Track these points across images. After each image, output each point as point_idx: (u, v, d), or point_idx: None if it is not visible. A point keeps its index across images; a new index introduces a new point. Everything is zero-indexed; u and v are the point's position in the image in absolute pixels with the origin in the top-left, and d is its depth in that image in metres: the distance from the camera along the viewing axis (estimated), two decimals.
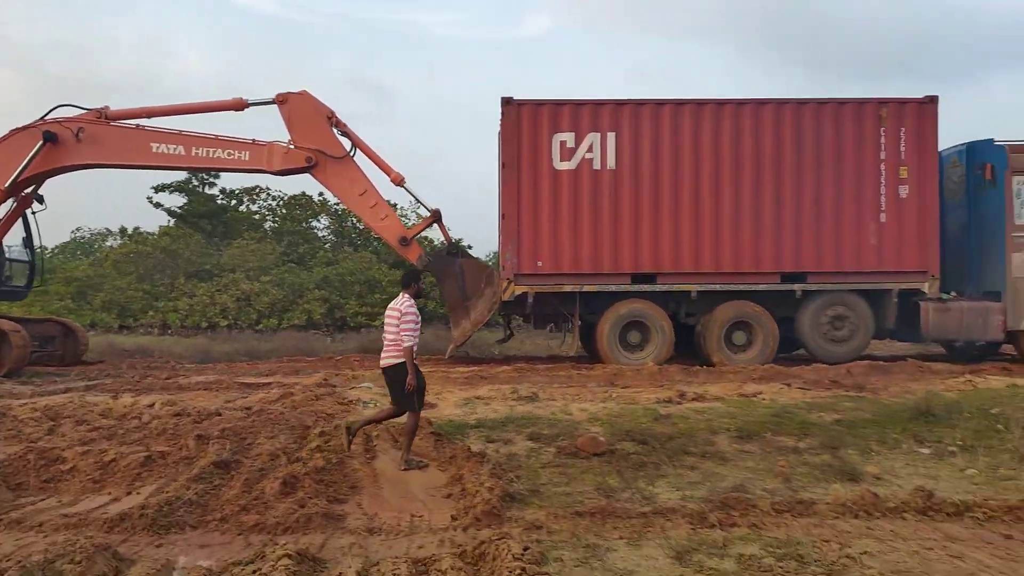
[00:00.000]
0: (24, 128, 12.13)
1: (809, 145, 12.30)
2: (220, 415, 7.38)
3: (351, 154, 12.68)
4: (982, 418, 7.60)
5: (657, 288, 12.25)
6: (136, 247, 24.91)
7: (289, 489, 5.32)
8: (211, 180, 30.74)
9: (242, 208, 29.95)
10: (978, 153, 12.79)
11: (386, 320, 6.23)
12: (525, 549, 4.13)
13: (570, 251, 12.08)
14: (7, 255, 12.98)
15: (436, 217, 13.01)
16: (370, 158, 12.82)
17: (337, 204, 28.52)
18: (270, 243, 25.39)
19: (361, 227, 28.62)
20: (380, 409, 7.16)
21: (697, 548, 4.37)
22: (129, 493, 5.45)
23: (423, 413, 6.57)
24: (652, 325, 12.26)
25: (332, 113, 12.67)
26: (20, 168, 11.83)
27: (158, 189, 30.57)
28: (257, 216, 29.60)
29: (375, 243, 27.54)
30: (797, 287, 12.32)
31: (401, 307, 6.12)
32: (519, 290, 12.05)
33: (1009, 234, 12.23)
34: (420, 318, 6.36)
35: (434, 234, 16.70)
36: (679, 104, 12.23)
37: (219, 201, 29.95)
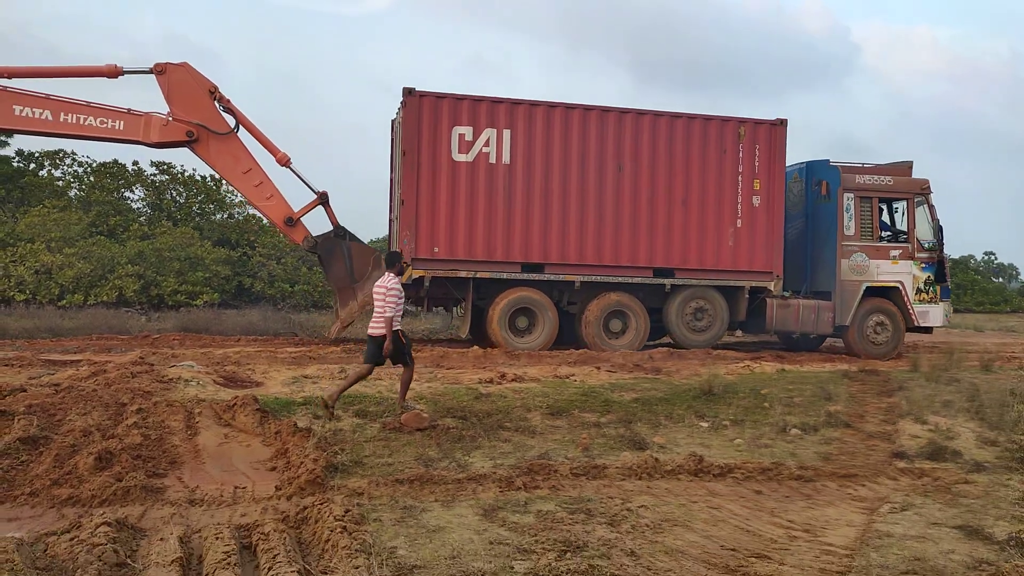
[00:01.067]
0: None
1: (680, 154, 13.49)
2: (25, 391, 6.99)
3: (235, 131, 12.19)
4: (752, 397, 8.84)
5: (544, 277, 13.01)
6: None
7: (104, 464, 5.25)
8: (3, 140, 27.69)
9: (42, 173, 27.26)
10: (816, 171, 14.59)
11: (374, 296, 7.43)
12: (346, 511, 4.46)
13: (465, 239, 12.59)
14: None
15: (323, 199, 12.82)
16: (255, 136, 12.40)
17: (153, 175, 26.80)
18: (76, 213, 23.37)
19: (181, 201, 27.07)
20: (348, 376, 7.85)
21: (503, 507, 4.90)
22: None
23: (254, 391, 6.80)
24: (539, 311, 13.03)
25: (215, 88, 12.12)
26: None
27: None
28: (61, 183, 27.05)
29: (197, 219, 26.18)
30: (667, 281, 13.51)
31: (387, 284, 7.28)
32: (416, 274, 12.42)
33: (839, 243, 14.00)
34: (403, 294, 7.52)
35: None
36: (568, 108, 13.07)
37: (15, 163, 27.06)
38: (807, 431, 7.42)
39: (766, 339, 16.28)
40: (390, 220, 14.56)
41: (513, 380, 9.33)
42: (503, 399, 8.28)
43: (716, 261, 13.67)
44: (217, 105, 12.19)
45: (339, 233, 13.06)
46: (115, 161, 26.50)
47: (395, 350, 7.32)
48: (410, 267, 12.33)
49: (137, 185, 27.11)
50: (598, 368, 10.55)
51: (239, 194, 27.09)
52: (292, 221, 12.49)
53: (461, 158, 12.61)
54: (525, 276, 12.94)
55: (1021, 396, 8.95)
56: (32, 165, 27.24)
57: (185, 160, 31.75)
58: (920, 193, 14.40)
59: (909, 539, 4.57)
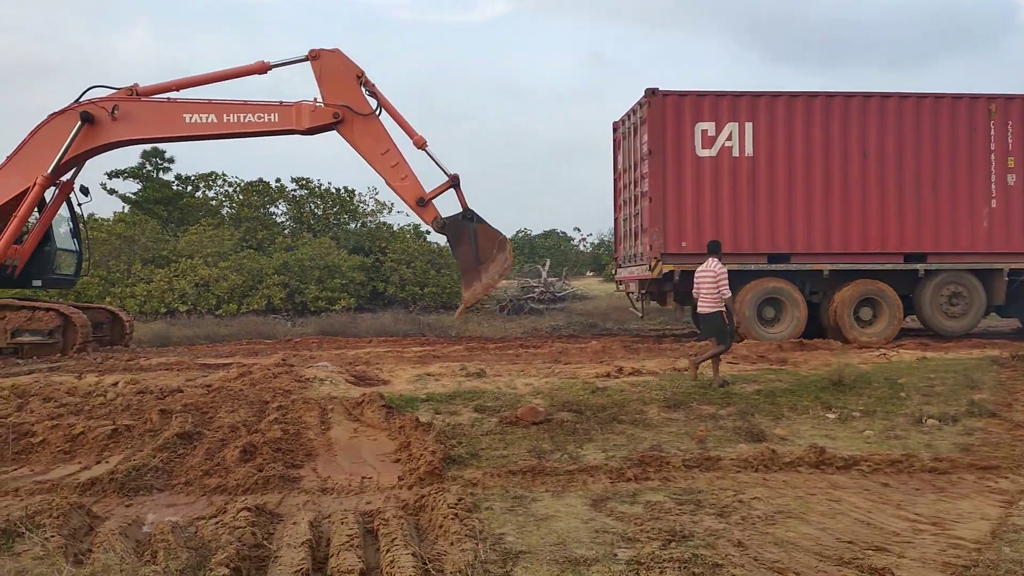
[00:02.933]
0: (61, 112, 12.33)
1: (927, 135, 13.25)
2: (182, 392, 7.78)
3: (377, 113, 13.06)
4: (887, 387, 8.38)
5: (791, 267, 13.08)
6: (91, 234, 24.79)
7: (248, 456, 5.79)
8: (165, 165, 30.56)
9: (198, 194, 29.88)
10: None
11: (701, 280, 8.90)
12: (459, 500, 4.70)
13: (711, 232, 12.66)
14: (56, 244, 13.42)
15: (454, 182, 13.43)
16: (395, 119, 13.10)
17: (294, 190, 28.67)
18: (228, 229, 25.47)
19: (319, 213, 28.81)
20: (706, 350, 9.32)
21: (611, 497, 4.98)
22: (98, 462, 5.88)
23: (381, 389, 7.32)
24: (787, 301, 13.08)
25: (362, 72, 12.94)
26: (62, 151, 12.10)
27: (112, 175, 30.30)
28: (214, 202, 29.56)
29: (334, 229, 27.78)
30: (919, 266, 13.26)
31: (715, 269, 8.79)
32: (666, 268, 12.78)
33: None
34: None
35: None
36: (811, 96, 13.12)
37: (174, 187, 29.83)
38: (946, 421, 6.97)
39: (913, 326, 15.28)
40: (615, 219, 15.19)
41: (631, 374, 9.32)
42: (620, 393, 8.31)
43: (971, 243, 13.32)
44: (363, 90, 12.90)
45: (467, 215, 13.40)
46: (260, 179, 28.63)
47: (720, 327, 8.70)
48: (660, 262, 12.65)
49: (280, 201, 29.18)
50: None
51: (370, 203, 28.57)
52: (423, 201, 12.94)
53: (704, 153, 12.86)
54: (772, 267, 13.02)
55: None
56: (189, 187, 29.91)
57: (322, 173, 33.78)
58: None
59: None
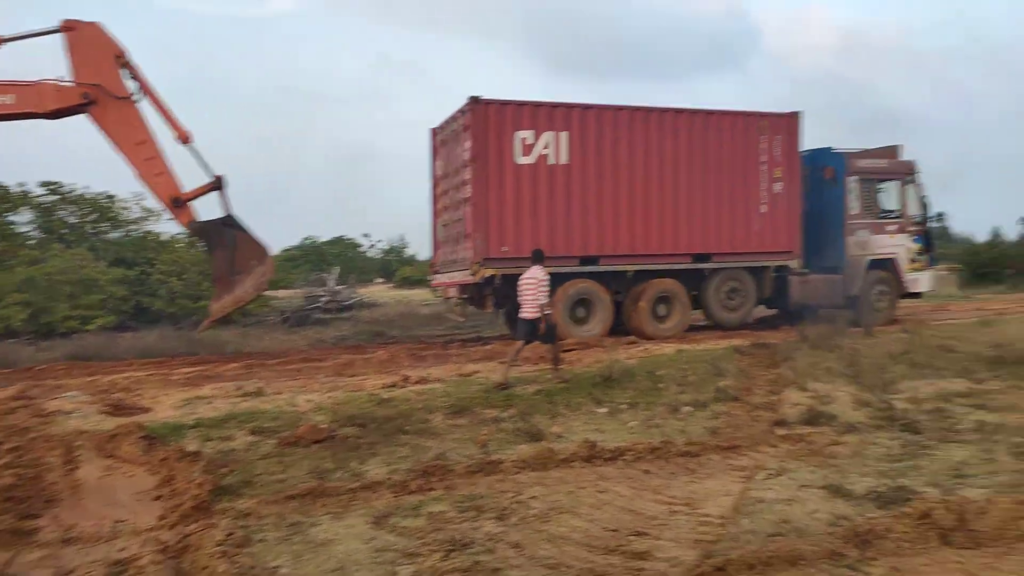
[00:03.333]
0: None
1: (712, 148, 14.37)
2: None
3: (135, 99, 11.57)
4: (649, 379, 9.11)
5: (600, 269, 13.71)
6: None
7: None
8: None
9: None
10: (821, 158, 15.71)
11: (524, 286, 9.47)
12: (229, 535, 4.40)
13: (530, 237, 12.95)
14: None
15: (217, 184, 12.28)
16: (159, 109, 11.73)
17: (40, 197, 25.34)
18: None
19: (72, 222, 25.72)
20: (509, 355, 9.74)
21: (394, 512, 4.92)
22: None
23: (142, 418, 6.86)
24: (596, 301, 13.65)
25: (123, 52, 11.43)
26: None
27: None
28: None
29: (91, 239, 24.94)
30: (705, 266, 14.40)
31: (538, 276, 9.40)
32: (487, 272, 12.87)
33: (845, 222, 15.35)
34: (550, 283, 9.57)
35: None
36: (618, 109, 13.82)
37: None
38: (698, 407, 7.73)
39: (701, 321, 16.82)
40: (433, 225, 15.25)
41: (417, 383, 9.32)
42: (406, 403, 8.26)
43: (746, 244, 14.63)
44: (124, 72, 11.60)
45: (228, 221, 12.57)
46: None
47: (533, 330, 9.37)
48: (481, 267, 12.76)
49: (23, 208, 25.62)
50: (503, 363, 10.63)
51: (134, 210, 26.08)
52: (179, 201, 11.97)
53: (523, 160, 13.17)
54: (583, 268, 13.60)
55: (896, 358, 9.56)
56: None
57: (76, 177, 30.24)
58: (910, 173, 15.93)
59: (779, 503, 4.84)
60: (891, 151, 16.20)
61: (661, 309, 14.15)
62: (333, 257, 46.00)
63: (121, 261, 22.46)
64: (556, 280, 12.84)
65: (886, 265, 15.67)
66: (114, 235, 25.70)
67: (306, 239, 56.60)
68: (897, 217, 15.85)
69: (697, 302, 14.63)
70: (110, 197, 26.00)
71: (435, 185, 15.06)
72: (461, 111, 13.32)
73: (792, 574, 3.78)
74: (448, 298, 15.12)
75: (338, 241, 54.34)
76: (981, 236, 45.79)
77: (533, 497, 5.13)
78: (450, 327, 18.68)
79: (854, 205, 15.45)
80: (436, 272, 15.22)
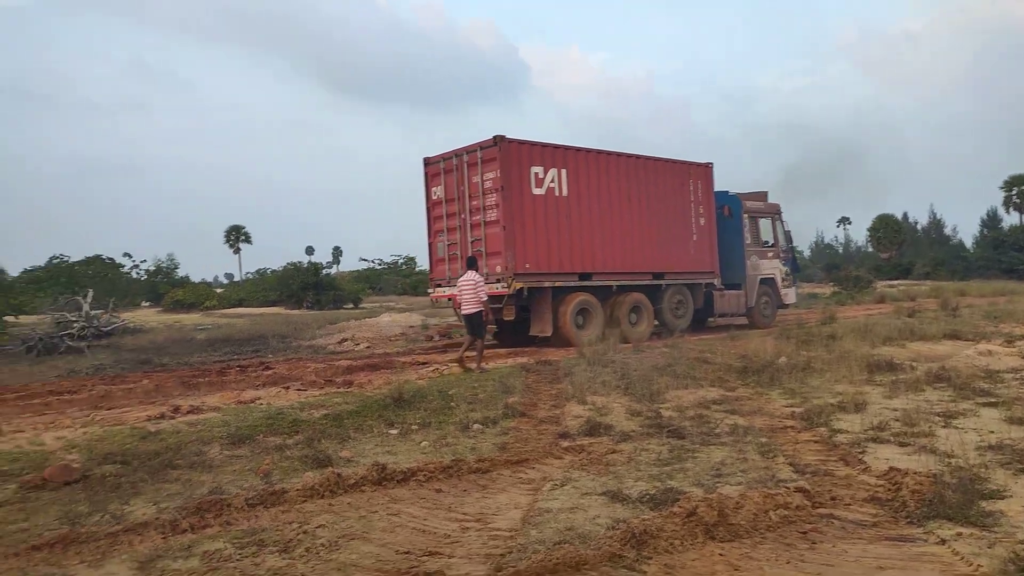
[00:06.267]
0: None
1: (661, 187, 17.68)
2: None
3: None
4: (440, 399, 9.14)
5: (594, 284, 16.18)
6: None
7: None
8: None
9: None
10: (721, 199, 19.35)
11: (464, 287, 11.89)
12: None
13: (545, 257, 15.35)
14: None
15: None
16: None
17: None
18: None
19: None
20: (463, 345, 12.14)
21: (163, 555, 4.46)
22: None
23: None
24: (592, 310, 16.06)
25: None
26: None
27: None
28: None
29: None
30: (661, 282, 17.55)
31: (476, 278, 11.94)
32: (517, 285, 14.74)
33: (744, 249, 19.59)
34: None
35: None
36: (599, 152, 16.55)
37: None
38: (488, 424, 7.88)
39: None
40: (431, 243, 16.75)
41: (189, 412, 8.58)
42: (176, 435, 7.56)
43: (686, 265, 18.06)
44: None
45: None
46: None
47: (479, 323, 11.84)
48: (514, 280, 14.67)
49: None
50: (287, 388, 10.16)
51: None
52: None
53: (537, 192, 15.35)
54: (582, 283, 15.96)
55: (661, 370, 10.44)
56: None
57: None
58: (778, 212, 20.83)
59: (564, 512, 5.04)
60: (763, 195, 20.63)
61: (633, 317, 16.85)
62: (87, 279, 41.27)
63: None
64: (561, 293, 15.80)
65: (768, 283, 20.26)
66: None
67: (54, 258, 50.49)
68: (772, 246, 20.49)
69: (656, 312, 17.44)
70: None
71: (432, 208, 16.69)
72: (480, 145, 15.30)
73: None
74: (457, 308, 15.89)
75: (94, 260, 48.97)
76: None
77: (321, 526, 4.91)
78: (225, 352, 17.50)
79: (747, 236, 19.70)
80: (437, 285, 16.64)
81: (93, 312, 23.18)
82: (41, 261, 51.20)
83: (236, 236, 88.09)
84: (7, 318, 22.87)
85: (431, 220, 16.72)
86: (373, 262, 60.64)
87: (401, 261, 58.52)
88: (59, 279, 43.62)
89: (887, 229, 71.47)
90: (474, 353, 11.92)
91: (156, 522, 5.02)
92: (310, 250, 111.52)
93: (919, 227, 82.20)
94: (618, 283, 16.57)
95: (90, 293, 25.17)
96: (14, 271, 49.16)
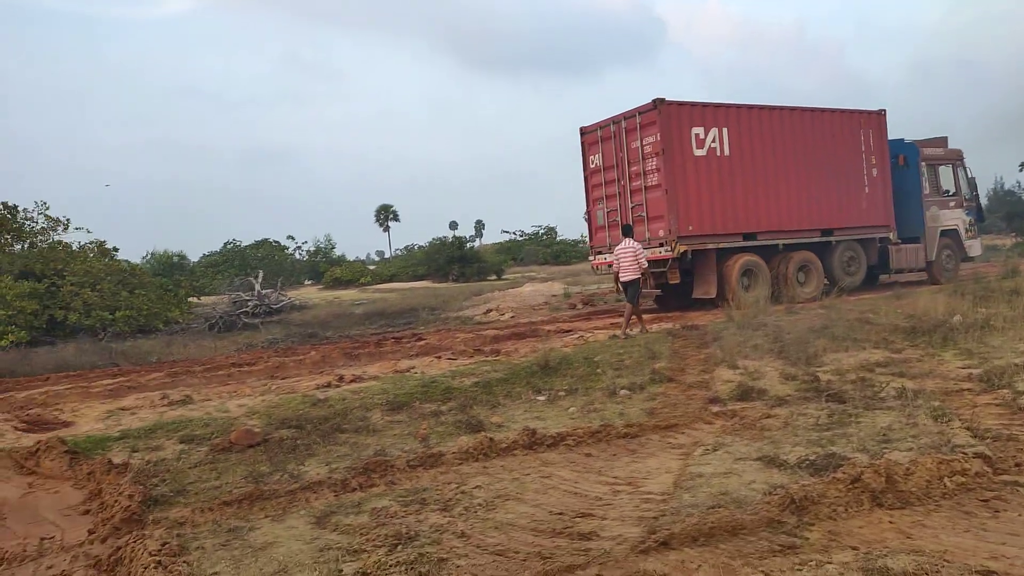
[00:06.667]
0: None
1: (829, 140, 16.86)
2: None
3: None
4: (586, 366, 9.21)
5: (759, 243, 15.77)
6: None
7: None
8: None
9: None
10: (896, 148, 18.25)
11: (622, 253, 11.95)
12: (163, 545, 4.22)
13: (708, 218, 15.04)
14: None
15: None
16: None
17: None
18: None
19: None
20: (625, 316, 12.07)
21: (336, 511, 4.82)
22: None
23: (63, 432, 6.39)
24: (758, 271, 15.66)
25: None
26: None
27: None
28: None
29: None
30: (832, 238, 16.89)
31: (634, 246, 12.03)
32: (681, 248, 14.60)
33: (923, 199, 18.31)
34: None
35: None
36: (761, 108, 16.03)
37: None
38: (634, 390, 7.85)
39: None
40: (590, 212, 16.76)
41: (352, 381, 9.17)
42: (342, 402, 8.12)
43: (857, 220, 17.25)
44: None
45: None
46: None
47: (637, 291, 11.91)
48: (678, 243, 14.48)
49: None
50: (439, 357, 10.59)
51: (40, 220, 24.84)
52: None
53: (699, 153, 15.04)
54: (746, 244, 15.61)
55: (818, 332, 9.92)
56: None
57: None
58: (959, 158, 19.27)
59: (717, 476, 4.95)
60: (942, 141, 19.22)
61: (801, 276, 16.34)
62: (257, 261, 44.76)
63: (28, 274, 21.31)
64: (726, 254, 15.46)
65: (951, 234, 18.97)
66: (19, 247, 24.37)
67: (228, 243, 54.98)
68: (954, 195, 19.10)
69: (825, 270, 16.78)
70: (12, 208, 24.68)
71: (590, 176, 16.69)
72: (639, 111, 15.13)
73: (734, 543, 3.87)
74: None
75: (262, 244, 52.92)
76: None
77: (477, 487, 5.11)
78: (381, 325, 18.46)
79: (926, 186, 18.45)
80: (598, 252, 16.64)
81: (264, 291, 25.15)
82: (217, 247, 55.99)
83: (385, 215, 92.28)
84: (191, 299, 25.30)
85: (589, 188, 16.81)
86: (514, 233, 61.47)
87: (542, 232, 58.99)
88: (233, 262, 47.66)
89: None
90: (634, 319, 11.96)
91: (328, 481, 5.43)
92: (454, 225, 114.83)
93: None
94: (784, 241, 16.14)
95: (260, 274, 27.31)
96: (194, 256, 54.03)
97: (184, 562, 4.05)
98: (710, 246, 15.15)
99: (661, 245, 14.73)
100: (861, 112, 17.72)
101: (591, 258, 17.12)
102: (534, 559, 3.89)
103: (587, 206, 16.92)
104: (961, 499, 4.23)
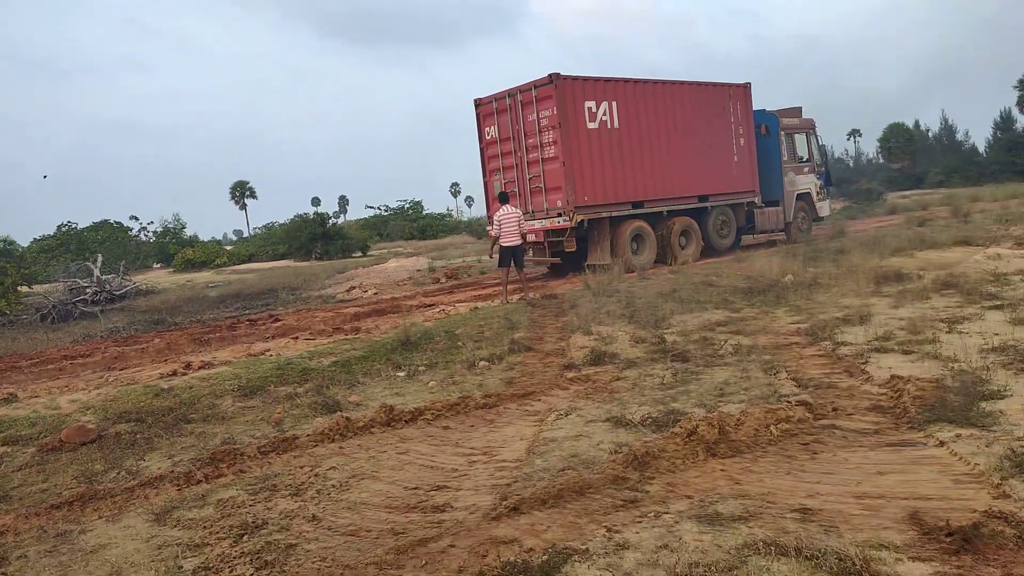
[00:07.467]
0: None
1: (703, 112, 17.76)
2: None
3: None
4: (447, 339, 9.21)
5: (646, 211, 16.59)
6: None
7: None
8: None
9: None
10: (758, 117, 19.44)
11: (505, 219, 12.30)
12: None
13: (600, 188, 15.65)
14: None
15: None
16: None
17: None
18: None
19: None
20: (510, 281, 12.78)
21: (178, 506, 4.58)
22: None
23: None
24: (646, 236, 16.64)
25: None
26: None
27: None
28: None
29: None
30: (707, 204, 17.92)
31: (516, 212, 12.49)
32: (578, 218, 15.12)
33: (782, 165, 19.70)
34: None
35: None
36: (644, 83, 16.69)
37: None
38: (494, 361, 7.94)
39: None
40: (486, 183, 17.09)
41: (201, 368, 8.71)
42: (189, 390, 7.69)
43: (728, 186, 18.37)
44: None
45: None
46: None
47: (521, 255, 12.39)
48: (575, 213, 14.99)
49: None
50: (296, 339, 10.26)
51: None
52: None
53: (591, 126, 15.55)
54: (635, 212, 16.37)
55: (666, 296, 10.43)
56: None
57: None
58: (812, 127, 20.89)
59: (568, 440, 5.11)
60: (797, 111, 20.73)
61: (682, 240, 17.36)
62: (97, 244, 41.49)
63: None
64: (617, 222, 16.16)
65: (804, 197, 20.61)
66: None
67: (62, 226, 50.66)
68: (807, 161, 20.73)
69: (703, 234, 17.79)
70: None
71: (486, 148, 16.94)
72: (534, 84, 15.48)
73: (581, 503, 4.01)
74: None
75: (102, 225, 49.14)
76: None
77: (332, 468, 5.01)
78: (236, 308, 17.65)
79: (784, 153, 19.83)
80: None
81: (104, 277, 23.34)
82: (50, 230, 51.40)
83: (241, 192, 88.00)
84: (21, 288, 23.08)
85: (485, 160, 16.98)
86: (380, 208, 60.32)
87: (408, 206, 58.25)
88: (69, 246, 43.92)
89: (898, 138, 70.15)
90: (518, 284, 12.46)
91: (171, 475, 5.13)
92: (316, 201, 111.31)
93: (931, 134, 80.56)
94: (668, 208, 17.04)
95: (99, 258, 25.30)
96: (24, 241, 49.42)
97: (2, 573, 3.71)
98: (604, 215, 15.80)
99: (559, 215, 15.26)
100: (730, 85, 18.83)
101: (488, 228, 17.32)
102: (387, 536, 3.86)
103: (484, 177, 17.14)
104: (785, 444, 4.59)
